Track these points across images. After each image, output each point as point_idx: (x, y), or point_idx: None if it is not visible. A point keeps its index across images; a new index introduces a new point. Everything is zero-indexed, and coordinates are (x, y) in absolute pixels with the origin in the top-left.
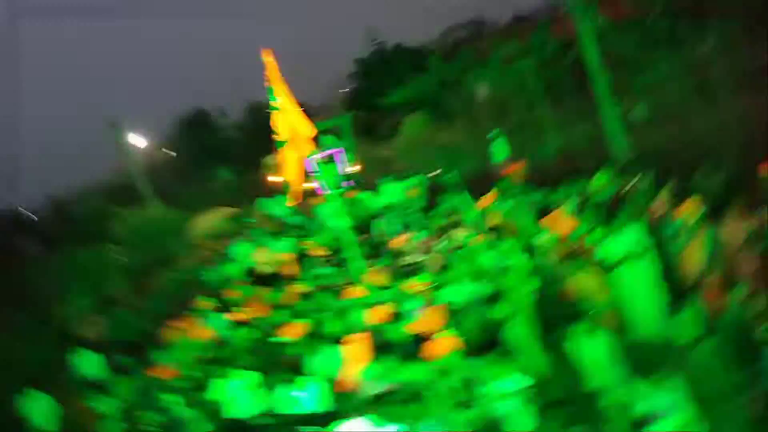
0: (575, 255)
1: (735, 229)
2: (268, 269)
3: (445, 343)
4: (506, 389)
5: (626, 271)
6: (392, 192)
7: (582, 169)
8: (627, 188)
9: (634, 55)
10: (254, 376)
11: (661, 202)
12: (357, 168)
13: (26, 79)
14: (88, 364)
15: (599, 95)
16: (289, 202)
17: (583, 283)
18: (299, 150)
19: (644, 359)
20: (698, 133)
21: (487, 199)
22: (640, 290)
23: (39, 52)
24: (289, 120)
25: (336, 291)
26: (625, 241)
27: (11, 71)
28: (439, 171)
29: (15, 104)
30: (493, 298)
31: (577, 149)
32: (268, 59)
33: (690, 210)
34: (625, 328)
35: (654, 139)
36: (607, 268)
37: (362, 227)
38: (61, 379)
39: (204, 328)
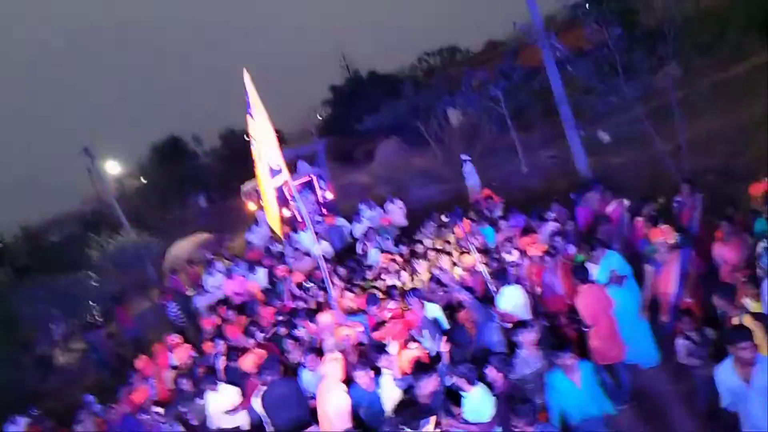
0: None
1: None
2: (243, 297)
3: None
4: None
5: (614, 295)
6: (371, 217)
7: (552, 190)
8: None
9: (595, 83)
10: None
11: (636, 224)
12: (333, 193)
13: None
14: None
15: (564, 120)
16: (268, 229)
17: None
18: (275, 178)
19: None
20: (660, 156)
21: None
22: (624, 313)
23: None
24: (264, 146)
25: (312, 314)
26: (607, 266)
27: None
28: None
29: None
30: None
31: (545, 171)
32: (248, 81)
33: (664, 233)
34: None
35: (617, 162)
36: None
37: (341, 251)
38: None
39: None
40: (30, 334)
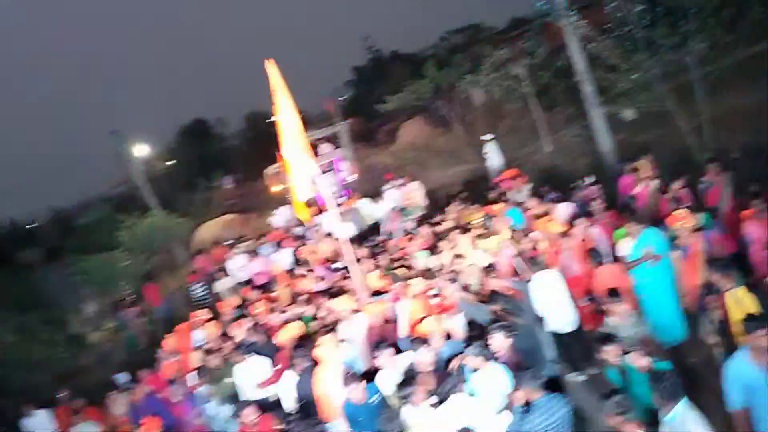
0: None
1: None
2: (265, 277)
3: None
4: None
5: (647, 272)
6: (394, 197)
7: (575, 170)
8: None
9: (618, 60)
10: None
11: (666, 204)
12: (356, 174)
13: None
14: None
15: (587, 98)
16: (292, 211)
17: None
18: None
19: None
20: (684, 135)
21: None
22: (658, 291)
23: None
24: (288, 130)
25: (335, 294)
26: (644, 242)
27: (13, 85)
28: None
29: (16, 117)
30: None
31: (568, 150)
32: (271, 68)
33: (682, 218)
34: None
35: (641, 140)
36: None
37: (364, 232)
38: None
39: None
40: (62, 313)
